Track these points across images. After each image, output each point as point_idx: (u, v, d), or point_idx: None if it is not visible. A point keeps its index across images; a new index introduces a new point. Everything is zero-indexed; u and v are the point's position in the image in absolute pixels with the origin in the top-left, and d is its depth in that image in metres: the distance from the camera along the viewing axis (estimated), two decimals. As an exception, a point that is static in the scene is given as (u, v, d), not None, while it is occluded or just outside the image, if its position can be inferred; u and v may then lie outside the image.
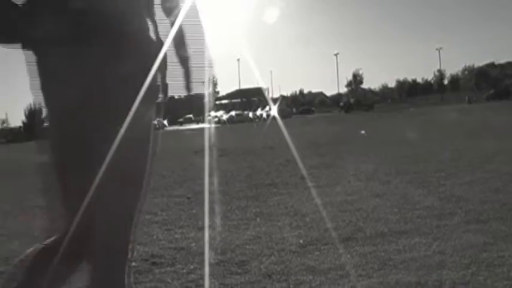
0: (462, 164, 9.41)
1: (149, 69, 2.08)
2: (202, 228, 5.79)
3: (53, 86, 2.19)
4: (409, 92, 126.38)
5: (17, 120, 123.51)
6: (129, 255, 2.12)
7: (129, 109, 2.00)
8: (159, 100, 2.32)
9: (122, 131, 1.99)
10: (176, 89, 2.53)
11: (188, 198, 7.89)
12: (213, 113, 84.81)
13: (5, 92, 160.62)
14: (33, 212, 7.73)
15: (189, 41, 2.41)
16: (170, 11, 2.30)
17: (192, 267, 4.43)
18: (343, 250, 4.56)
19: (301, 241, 5.00)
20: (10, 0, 2.04)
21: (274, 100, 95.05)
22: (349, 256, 4.39)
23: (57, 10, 1.99)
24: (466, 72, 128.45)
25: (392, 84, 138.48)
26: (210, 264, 4.46)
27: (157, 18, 2.22)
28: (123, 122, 1.99)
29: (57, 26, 2.00)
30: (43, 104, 2.29)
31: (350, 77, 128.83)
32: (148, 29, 2.18)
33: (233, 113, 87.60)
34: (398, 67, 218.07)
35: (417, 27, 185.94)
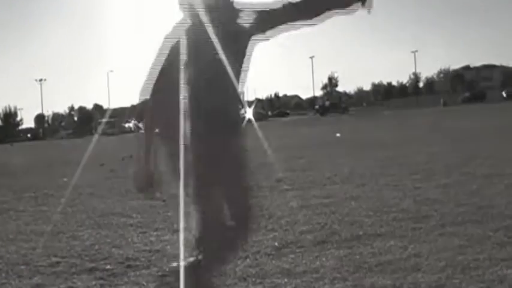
0: (437, 167, 9.50)
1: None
2: (177, 231, 5.70)
3: None
4: (384, 95, 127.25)
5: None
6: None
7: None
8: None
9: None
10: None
11: (163, 201, 7.81)
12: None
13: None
14: (8, 214, 7.73)
15: None
16: None
17: (167, 269, 4.42)
18: (318, 253, 4.59)
19: (276, 244, 5.02)
20: None
21: (250, 103, 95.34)
22: (324, 259, 4.41)
23: None
24: (442, 75, 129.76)
25: (367, 87, 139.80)
26: (186, 267, 4.45)
27: None
28: None
29: None
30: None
31: (325, 80, 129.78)
32: None
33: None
34: (373, 70, 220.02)
35: (392, 30, 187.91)
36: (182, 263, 4.40)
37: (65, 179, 11.48)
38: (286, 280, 4.02)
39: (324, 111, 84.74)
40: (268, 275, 4.17)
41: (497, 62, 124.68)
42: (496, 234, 4.77)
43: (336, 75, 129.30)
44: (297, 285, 3.92)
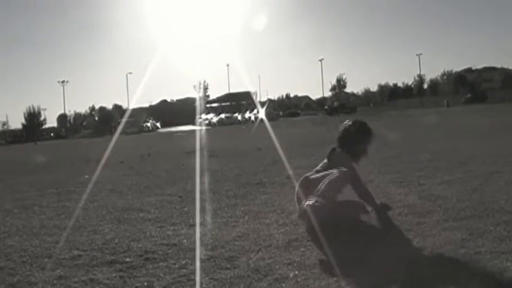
0: (441, 164, 9.58)
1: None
2: (193, 225, 5.93)
3: None
4: (390, 96, 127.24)
5: (16, 122, 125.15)
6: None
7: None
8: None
9: None
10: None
11: (180, 196, 7.99)
12: (204, 116, 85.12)
13: (5, 95, 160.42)
14: (32, 209, 7.82)
15: None
16: None
17: (183, 262, 4.57)
18: (327, 247, 4.67)
19: (287, 238, 5.13)
20: None
21: (262, 103, 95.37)
22: (333, 252, 4.50)
23: None
24: (445, 77, 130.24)
25: (374, 88, 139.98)
26: (201, 260, 4.58)
27: None
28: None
29: None
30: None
31: (334, 82, 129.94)
32: None
33: (223, 115, 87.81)
34: (380, 72, 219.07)
35: (398, 34, 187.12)
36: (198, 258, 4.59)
37: (86, 176, 11.60)
38: (297, 272, 4.10)
39: (332, 111, 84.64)
40: (279, 267, 4.25)
41: (497, 65, 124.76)
42: (497, 228, 4.85)
43: (344, 76, 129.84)
44: (307, 276, 4.00)
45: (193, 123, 76.19)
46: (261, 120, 54.42)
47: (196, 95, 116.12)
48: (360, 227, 5.41)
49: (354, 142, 5.98)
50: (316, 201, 5.26)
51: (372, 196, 5.85)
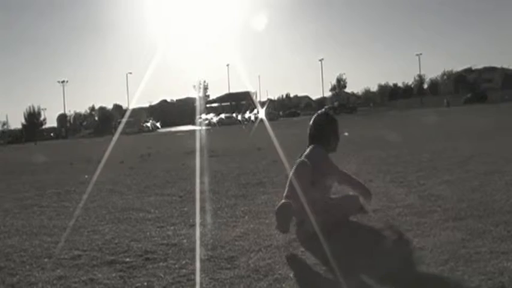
0: (441, 165, 9.59)
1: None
2: (193, 226, 5.94)
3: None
4: (390, 95, 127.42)
5: (16, 122, 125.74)
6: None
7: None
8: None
9: None
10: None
11: (180, 196, 8.03)
12: (203, 116, 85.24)
13: (5, 94, 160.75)
14: (32, 209, 7.84)
15: None
16: None
17: (183, 262, 4.57)
18: (327, 246, 4.66)
19: (287, 238, 5.13)
20: None
21: (262, 103, 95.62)
22: (333, 252, 4.49)
23: None
24: (445, 77, 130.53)
25: (374, 88, 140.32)
26: (201, 260, 4.59)
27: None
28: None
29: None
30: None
31: (334, 82, 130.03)
32: None
33: (223, 115, 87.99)
34: (380, 72, 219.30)
35: (398, 34, 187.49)
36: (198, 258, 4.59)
37: (86, 176, 11.63)
38: (296, 271, 4.12)
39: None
40: (279, 267, 4.26)
41: (497, 65, 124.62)
42: (497, 228, 4.85)
43: (344, 76, 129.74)
44: (308, 276, 4.03)
45: (193, 123, 76.44)
46: (261, 120, 54.53)
47: (196, 95, 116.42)
48: (358, 227, 5.42)
49: (325, 134, 6.15)
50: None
51: (351, 177, 6.05)
